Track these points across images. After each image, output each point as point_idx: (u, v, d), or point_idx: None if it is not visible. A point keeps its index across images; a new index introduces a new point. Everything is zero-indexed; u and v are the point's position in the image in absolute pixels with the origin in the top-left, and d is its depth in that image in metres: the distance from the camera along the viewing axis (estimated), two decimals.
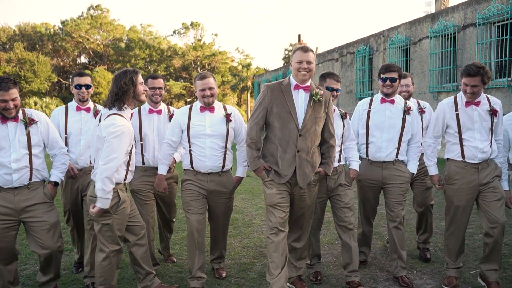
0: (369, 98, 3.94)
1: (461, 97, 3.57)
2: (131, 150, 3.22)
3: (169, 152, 3.73)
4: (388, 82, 3.72)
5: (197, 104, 3.71)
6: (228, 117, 3.69)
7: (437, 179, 3.75)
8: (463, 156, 3.55)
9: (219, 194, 3.71)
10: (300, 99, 3.34)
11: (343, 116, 3.77)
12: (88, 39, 41.36)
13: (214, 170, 3.65)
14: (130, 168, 3.26)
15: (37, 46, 40.86)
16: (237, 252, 4.63)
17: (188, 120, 3.65)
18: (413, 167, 3.84)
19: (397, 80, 3.74)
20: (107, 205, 3.07)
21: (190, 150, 3.65)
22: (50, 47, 41.74)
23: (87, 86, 3.86)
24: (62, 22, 40.98)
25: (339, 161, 3.74)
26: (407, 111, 3.76)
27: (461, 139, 3.55)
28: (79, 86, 3.83)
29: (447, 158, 3.69)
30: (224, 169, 3.70)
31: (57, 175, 3.42)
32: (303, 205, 3.47)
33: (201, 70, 36.52)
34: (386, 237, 4.75)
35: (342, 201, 3.67)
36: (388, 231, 3.94)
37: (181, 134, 3.68)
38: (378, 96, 3.86)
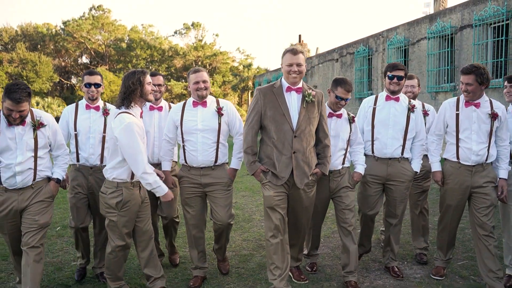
0: (374, 96, 4.01)
1: (463, 97, 3.67)
2: None
3: (169, 148, 3.80)
4: (395, 80, 3.78)
5: (191, 100, 3.74)
6: (219, 111, 3.69)
7: (439, 176, 3.76)
8: (458, 157, 3.64)
9: (215, 186, 3.69)
10: (293, 101, 3.39)
11: (351, 120, 3.81)
12: (89, 40, 41.46)
13: (206, 164, 3.66)
14: None
15: (39, 46, 40.90)
16: (237, 245, 4.82)
17: (181, 116, 3.68)
18: (416, 166, 3.88)
19: (403, 79, 3.82)
20: (165, 190, 3.28)
21: (184, 146, 3.69)
22: (52, 47, 41.80)
23: (97, 85, 3.84)
24: (64, 23, 41.05)
25: (343, 163, 3.79)
26: (411, 108, 3.84)
27: (457, 140, 3.63)
28: (88, 85, 3.82)
29: (445, 158, 3.80)
30: (217, 163, 3.70)
31: (59, 172, 3.45)
32: (301, 205, 3.52)
33: None
34: (381, 228, 4.90)
35: (343, 203, 3.73)
36: (385, 225, 4.07)
37: (176, 130, 3.73)
38: (383, 94, 3.93)
